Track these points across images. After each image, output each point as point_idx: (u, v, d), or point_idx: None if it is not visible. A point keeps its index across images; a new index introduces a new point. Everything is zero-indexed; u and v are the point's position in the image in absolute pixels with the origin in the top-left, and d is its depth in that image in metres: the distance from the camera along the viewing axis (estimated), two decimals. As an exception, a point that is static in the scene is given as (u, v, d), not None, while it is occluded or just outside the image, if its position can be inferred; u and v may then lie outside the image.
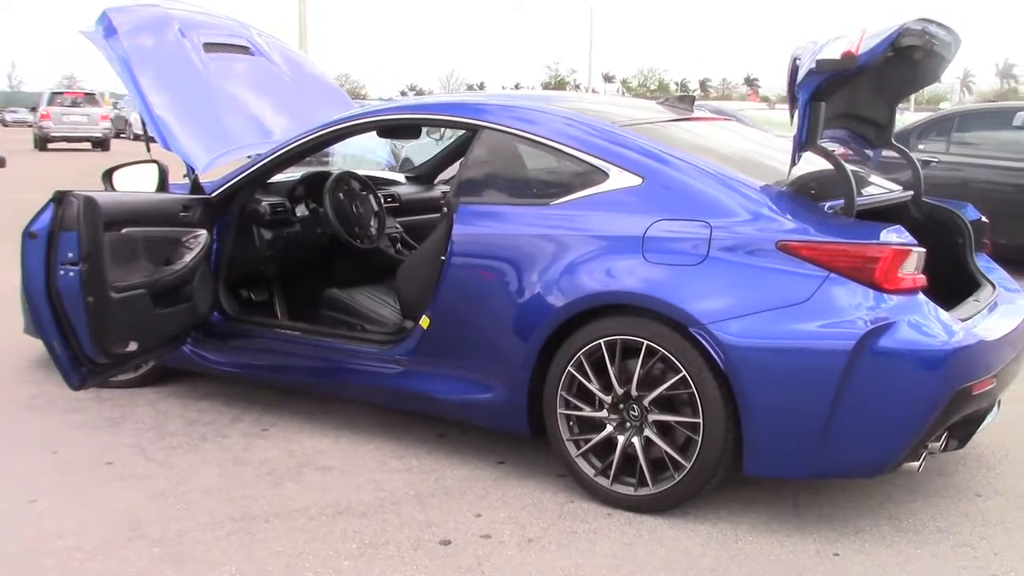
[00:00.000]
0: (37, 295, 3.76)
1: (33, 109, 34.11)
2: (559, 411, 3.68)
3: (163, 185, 4.40)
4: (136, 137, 37.40)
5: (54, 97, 29.12)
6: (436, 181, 6.13)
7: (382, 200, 5.32)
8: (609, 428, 3.60)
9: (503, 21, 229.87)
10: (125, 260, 3.87)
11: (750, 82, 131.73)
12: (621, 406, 3.58)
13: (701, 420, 3.40)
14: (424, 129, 6.13)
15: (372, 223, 5.13)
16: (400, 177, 6.00)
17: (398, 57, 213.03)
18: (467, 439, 4.30)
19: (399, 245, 5.43)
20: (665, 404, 3.52)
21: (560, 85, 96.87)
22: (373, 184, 5.34)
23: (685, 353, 3.40)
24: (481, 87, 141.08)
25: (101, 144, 28.48)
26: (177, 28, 5.20)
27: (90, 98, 30.27)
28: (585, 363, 3.60)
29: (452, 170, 6.18)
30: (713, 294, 3.38)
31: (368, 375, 4.21)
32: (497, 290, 3.80)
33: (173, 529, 3.38)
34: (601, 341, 3.56)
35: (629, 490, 3.57)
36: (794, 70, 3.54)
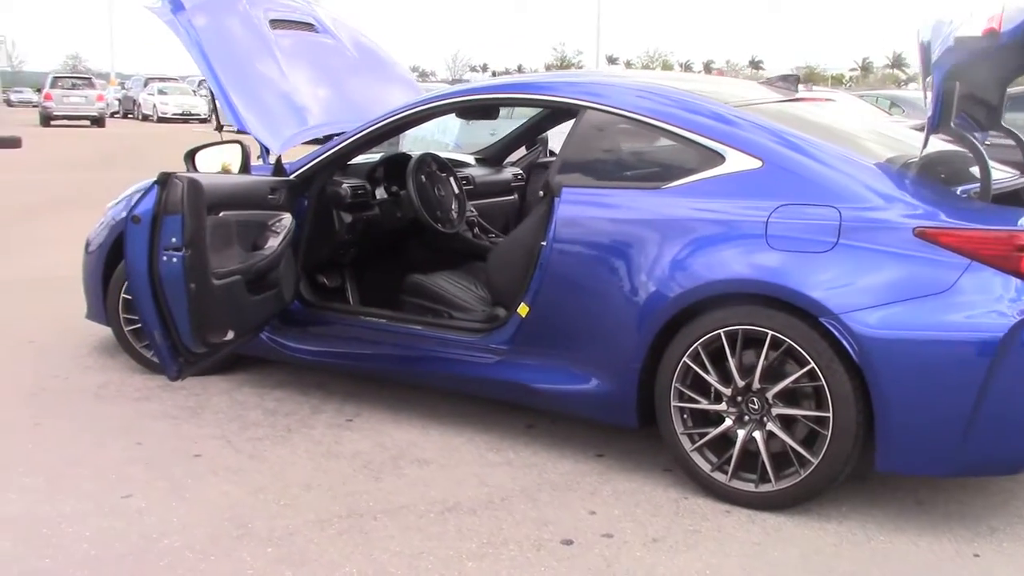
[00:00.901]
0: (139, 281, 3.61)
1: (38, 90, 37.59)
2: (673, 404, 3.53)
3: (246, 167, 4.24)
4: (145, 118, 37.16)
5: (56, 80, 32.40)
6: (504, 163, 5.97)
7: (461, 183, 5.16)
8: (728, 422, 3.46)
9: (508, 2, 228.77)
10: (222, 245, 3.72)
11: (755, 64, 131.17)
12: (739, 399, 3.44)
13: (831, 415, 3.25)
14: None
15: (453, 207, 4.97)
16: (470, 159, 5.83)
17: (401, 38, 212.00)
18: (558, 430, 4.16)
19: (476, 229, 5.27)
20: (788, 397, 3.37)
21: (565, 67, 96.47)
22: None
23: (814, 344, 3.24)
24: (484, 69, 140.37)
25: (97, 121, 31.54)
26: (244, 3, 5.04)
27: (87, 81, 33.78)
28: (702, 353, 3.45)
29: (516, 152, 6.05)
30: (845, 283, 3.23)
31: (461, 364, 4.06)
32: (605, 277, 3.64)
33: (281, 527, 3.24)
34: (721, 331, 3.41)
35: (749, 486, 3.43)
36: (925, 49, 3.38)
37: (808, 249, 3.30)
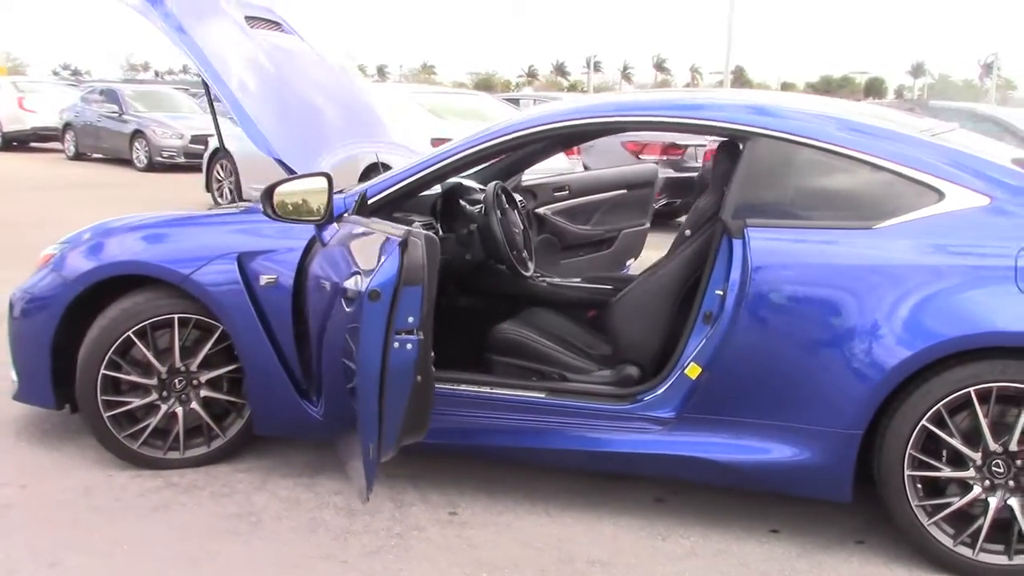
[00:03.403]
0: (371, 376, 2.65)
1: None
2: (906, 472, 3.12)
3: (331, 203, 3.32)
4: None
5: None
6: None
7: (526, 217, 4.41)
8: (977, 489, 3.10)
9: None
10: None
11: (427, 68, 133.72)
12: (984, 463, 3.09)
13: (1111, 479, 2.98)
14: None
15: (524, 244, 4.22)
16: (476, 185, 5.05)
17: (69, 38, 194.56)
18: (695, 501, 3.62)
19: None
20: (1036, 458, 3.08)
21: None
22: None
23: (1088, 402, 2.96)
24: (146, 68, 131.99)
25: None
26: None
27: None
28: (945, 415, 3.07)
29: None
30: None
31: (609, 440, 3.41)
32: (817, 331, 3.16)
33: None
34: (971, 390, 3.04)
35: (1002, 559, 3.09)
36: None
37: (1072, 295, 3.01)
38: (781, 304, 3.21)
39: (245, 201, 11.16)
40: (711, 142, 10.62)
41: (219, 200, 11.95)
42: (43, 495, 3.53)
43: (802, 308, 3.19)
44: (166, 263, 3.63)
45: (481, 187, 4.50)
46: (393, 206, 3.62)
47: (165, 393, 3.73)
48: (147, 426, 3.74)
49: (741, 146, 3.41)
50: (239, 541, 3.23)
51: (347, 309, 2.89)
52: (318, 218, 3.34)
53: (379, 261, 2.76)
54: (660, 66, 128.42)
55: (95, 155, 19.03)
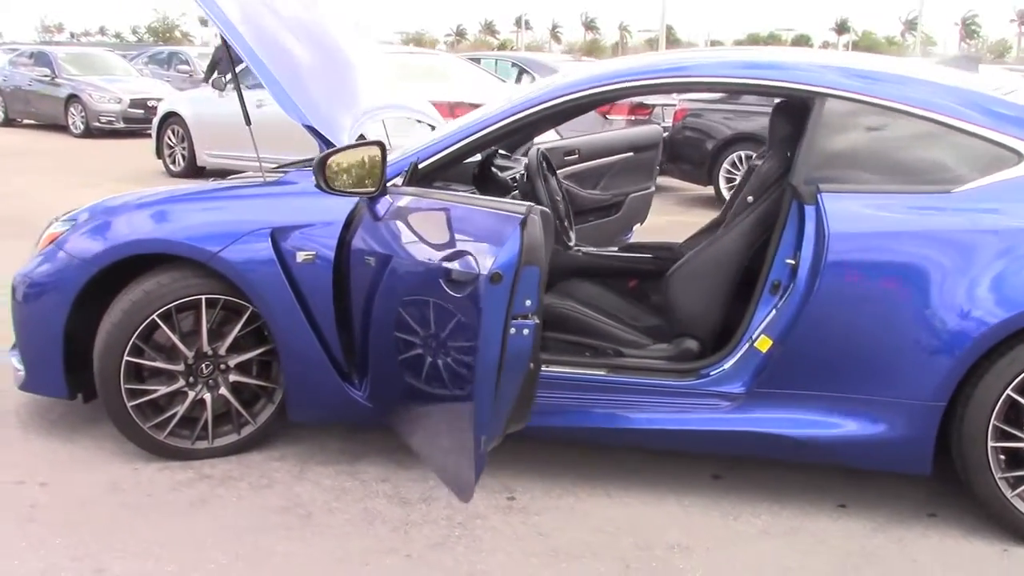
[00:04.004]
0: (489, 365, 2.43)
1: None
2: (990, 444, 3.03)
3: (383, 173, 3.10)
4: None
5: None
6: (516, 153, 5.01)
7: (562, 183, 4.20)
8: (1061, 461, 3.03)
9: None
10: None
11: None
12: (1066, 432, 3.02)
13: None
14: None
15: (566, 214, 4.01)
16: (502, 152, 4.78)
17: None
18: (757, 479, 3.49)
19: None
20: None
21: (170, 29, 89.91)
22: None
23: None
24: (60, 30, 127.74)
25: None
26: None
27: None
28: (1030, 384, 2.99)
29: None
30: None
31: (677, 418, 3.25)
32: (898, 301, 3.04)
33: None
34: (1056, 357, 2.96)
35: (1084, 530, 3.03)
36: None
37: None
38: (859, 273, 3.07)
39: (209, 174, 10.77)
40: (681, 101, 10.49)
41: (171, 167, 11.51)
42: (68, 493, 3.28)
43: (881, 277, 3.06)
44: (192, 240, 3.38)
45: (505, 153, 4.31)
46: (436, 175, 3.40)
47: (192, 379, 3.49)
48: (174, 415, 3.49)
49: (809, 107, 3.25)
50: (294, 536, 3.02)
51: (453, 294, 2.67)
52: (372, 190, 3.12)
53: (491, 239, 2.55)
54: (589, 25, 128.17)
55: (27, 121, 18.27)
